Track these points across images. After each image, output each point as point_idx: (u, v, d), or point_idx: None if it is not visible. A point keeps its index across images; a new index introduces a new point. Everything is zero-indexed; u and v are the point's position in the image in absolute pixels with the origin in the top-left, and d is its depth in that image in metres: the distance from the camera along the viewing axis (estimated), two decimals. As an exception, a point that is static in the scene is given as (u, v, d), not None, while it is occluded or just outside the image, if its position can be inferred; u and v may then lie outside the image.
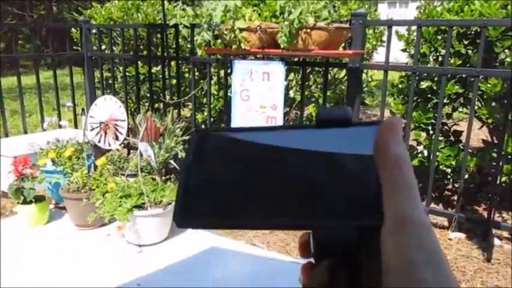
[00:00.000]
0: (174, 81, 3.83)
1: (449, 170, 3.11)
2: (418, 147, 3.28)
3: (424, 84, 3.08)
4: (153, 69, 4.10)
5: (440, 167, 3.06)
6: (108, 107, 3.41)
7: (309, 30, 2.61)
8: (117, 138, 3.38)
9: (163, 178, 3.03)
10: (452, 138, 3.17)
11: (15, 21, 13.42)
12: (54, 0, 16.96)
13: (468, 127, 2.59)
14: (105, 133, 3.38)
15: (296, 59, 3.13)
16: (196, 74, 3.82)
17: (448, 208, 3.11)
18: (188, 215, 0.30)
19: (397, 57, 4.36)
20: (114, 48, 4.23)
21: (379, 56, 4.67)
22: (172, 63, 3.81)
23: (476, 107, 2.84)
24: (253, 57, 3.27)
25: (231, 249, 2.62)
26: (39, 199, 2.92)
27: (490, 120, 2.99)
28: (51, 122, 3.86)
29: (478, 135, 3.65)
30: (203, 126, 4.02)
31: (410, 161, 0.27)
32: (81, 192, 2.79)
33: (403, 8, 16.04)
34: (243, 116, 2.99)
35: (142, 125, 3.00)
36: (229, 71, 3.22)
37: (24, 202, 2.85)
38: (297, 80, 4.41)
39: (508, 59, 2.71)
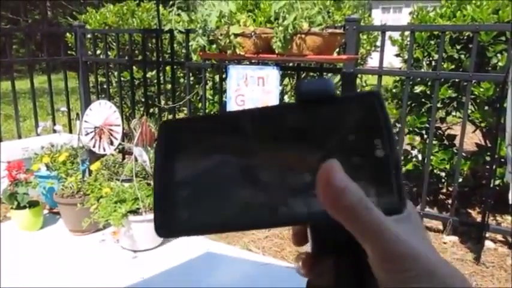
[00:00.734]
0: (169, 86, 3.83)
1: (443, 174, 3.13)
2: (412, 151, 3.30)
3: (418, 89, 3.10)
4: (148, 74, 4.10)
5: (435, 170, 3.07)
6: (103, 112, 3.40)
7: (303, 36, 2.63)
8: (111, 143, 3.37)
9: (158, 183, 3.02)
10: (446, 142, 3.19)
11: (10, 26, 13.37)
12: (49, 5, 16.94)
13: (462, 131, 2.61)
14: (100, 138, 3.37)
15: (291, 64, 3.15)
16: (192, 79, 3.82)
17: (442, 212, 3.12)
18: (170, 223, 0.26)
19: (391, 62, 4.40)
20: (109, 53, 4.22)
21: (373, 61, 4.71)
22: (168, 68, 3.81)
23: (469, 111, 2.86)
24: (248, 62, 3.28)
25: (226, 254, 2.62)
26: (33, 204, 2.90)
27: (483, 124, 3.02)
28: (46, 126, 3.84)
29: (472, 139, 3.68)
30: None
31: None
32: (76, 197, 2.78)
33: (396, 14, 16.17)
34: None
35: (137, 130, 2.99)
36: (224, 76, 3.23)
37: (18, 207, 2.83)
38: (292, 84, 4.42)
39: (500, 63, 2.74)
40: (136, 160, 2.86)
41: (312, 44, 2.64)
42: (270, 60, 3.02)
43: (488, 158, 2.87)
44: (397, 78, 3.32)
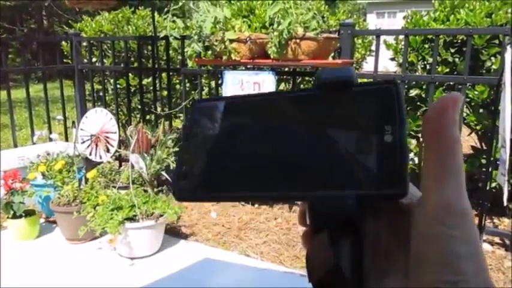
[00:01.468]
0: (165, 93, 3.83)
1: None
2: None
3: (413, 92, 3.12)
4: (144, 81, 4.11)
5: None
6: (99, 120, 3.39)
7: (298, 41, 2.64)
8: (108, 150, 3.36)
9: (155, 190, 3.01)
10: (442, 145, 3.20)
11: (5, 35, 13.38)
12: (45, 14, 16.96)
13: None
14: (96, 145, 3.36)
15: (286, 69, 3.16)
16: (187, 85, 3.83)
17: (439, 215, 3.12)
18: (186, 188, 0.29)
19: (386, 66, 4.42)
20: (105, 60, 4.23)
21: (368, 66, 4.73)
22: (163, 74, 3.82)
23: (464, 114, 2.88)
24: (243, 68, 3.29)
25: (224, 260, 2.61)
26: (29, 213, 2.88)
27: (478, 127, 3.03)
28: (42, 135, 3.83)
29: (467, 141, 3.69)
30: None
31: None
32: (72, 206, 2.77)
33: (391, 18, 16.27)
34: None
35: (133, 137, 2.99)
36: (220, 81, 3.23)
37: (14, 216, 2.81)
38: (288, 89, 4.44)
39: (494, 66, 2.76)
40: (132, 167, 2.85)
41: (307, 48, 2.65)
42: (266, 66, 3.03)
43: (484, 161, 2.88)
44: (392, 82, 3.32)
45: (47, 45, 5.52)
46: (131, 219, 2.56)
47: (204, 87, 4.02)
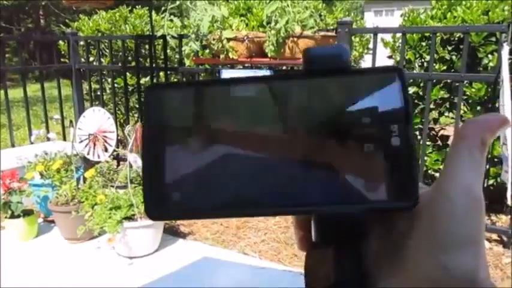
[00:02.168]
0: (163, 92, 3.82)
1: (437, 175, 3.14)
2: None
3: (411, 90, 3.12)
4: (142, 80, 4.10)
5: (429, 171, 3.09)
6: (97, 119, 3.39)
7: (295, 39, 2.64)
8: (106, 149, 3.35)
9: (154, 189, 3.01)
10: (439, 142, 3.21)
11: (3, 34, 13.34)
12: (42, 14, 16.91)
13: (455, 131, 2.62)
14: (94, 145, 3.36)
15: (284, 68, 3.15)
16: (185, 84, 3.81)
17: (437, 212, 3.13)
18: (161, 205, 0.23)
19: (384, 64, 4.42)
20: (102, 59, 4.22)
21: (365, 64, 4.73)
22: (161, 73, 3.81)
23: (462, 112, 2.88)
24: (241, 67, 3.29)
25: (223, 259, 2.61)
26: (27, 213, 2.88)
27: (476, 124, 3.04)
28: (39, 134, 3.82)
29: (465, 139, 3.70)
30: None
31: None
32: (70, 205, 2.76)
33: (389, 16, 16.27)
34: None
35: (131, 136, 2.99)
36: (217, 80, 3.23)
37: (12, 216, 2.81)
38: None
39: (491, 64, 2.76)
40: (130, 166, 2.85)
41: (305, 47, 2.64)
42: (263, 64, 3.03)
43: (481, 158, 2.88)
44: (390, 80, 3.33)
45: (44, 45, 5.51)
46: (130, 218, 2.56)
47: (202, 86, 4.02)
